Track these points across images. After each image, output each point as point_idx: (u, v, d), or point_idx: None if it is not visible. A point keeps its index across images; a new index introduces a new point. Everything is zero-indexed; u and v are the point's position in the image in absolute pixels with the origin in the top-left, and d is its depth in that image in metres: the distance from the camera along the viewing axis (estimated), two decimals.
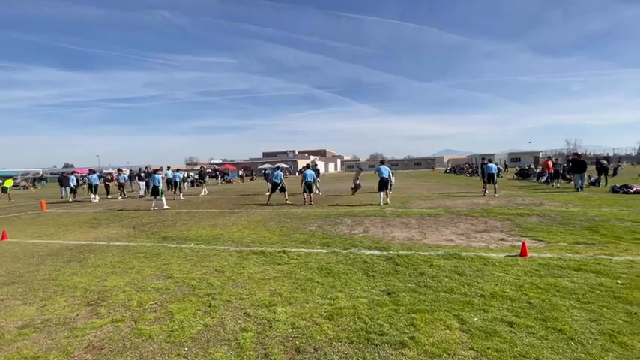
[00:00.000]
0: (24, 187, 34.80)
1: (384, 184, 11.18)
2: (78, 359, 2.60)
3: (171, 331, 2.96)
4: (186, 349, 2.68)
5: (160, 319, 3.23)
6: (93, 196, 16.60)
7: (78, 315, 3.40)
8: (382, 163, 11.75)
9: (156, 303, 3.61)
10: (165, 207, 12.36)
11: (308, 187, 12.03)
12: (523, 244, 4.92)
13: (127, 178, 19.62)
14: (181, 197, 16.25)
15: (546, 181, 18.27)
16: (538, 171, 22.15)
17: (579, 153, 16.61)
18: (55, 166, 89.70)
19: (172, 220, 9.46)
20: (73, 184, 17.94)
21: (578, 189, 13.45)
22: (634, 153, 61.91)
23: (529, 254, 4.77)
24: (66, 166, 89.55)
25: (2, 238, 7.48)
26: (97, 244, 6.75)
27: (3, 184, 21.26)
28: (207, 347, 2.68)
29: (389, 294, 3.59)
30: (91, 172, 18.07)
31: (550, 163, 17.80)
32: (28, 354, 2.69)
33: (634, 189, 11.76)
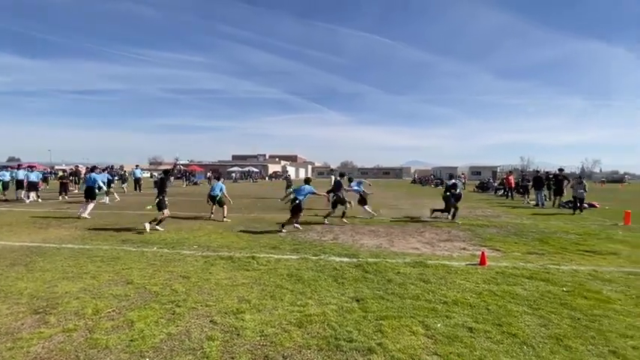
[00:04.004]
0: None
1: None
2: None
3: (131, 340, 2.80)
4: (147, 359, 2.54)
5: (118, 327, 3.03)
6: (25, 194, 14.27)
7: (23, 324, 3.10)
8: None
9: (114, 311, 3.39)
10: (86, 215, 9.79)
11: (212, 199, 9.89)
12: (482, 253, 5.23)
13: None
14: (107, 201, 13.87)
15: (504, 195, 19.56)
16: (496, 184, 23.70)
17: (539, 170, 17.52)
18: None
19: (133, 222, 8.94)
20: (5, 179, 15.73)
21: (539, 204, 14.08)
22: (577, 171, 68.13)
23: (488, 263, 5.07)
24: (11, 159, 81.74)
25: None
26: (46, 246, 6.21)
27: None
28: (171, 357, 2.57)
29: (358, 301, 3.65)
30: (20, 167, 15.82)
31: (512, 178, 18.96)
32: None
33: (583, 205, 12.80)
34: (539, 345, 2.76)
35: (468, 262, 5.21)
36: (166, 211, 7.97)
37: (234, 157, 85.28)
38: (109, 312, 3.36)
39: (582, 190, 11.75)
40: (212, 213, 10.07)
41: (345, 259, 5.34)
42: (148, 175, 49.09)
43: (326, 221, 9.05)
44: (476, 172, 63.44)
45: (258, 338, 2.85)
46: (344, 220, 9.24)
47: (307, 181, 8.94)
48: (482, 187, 25.08)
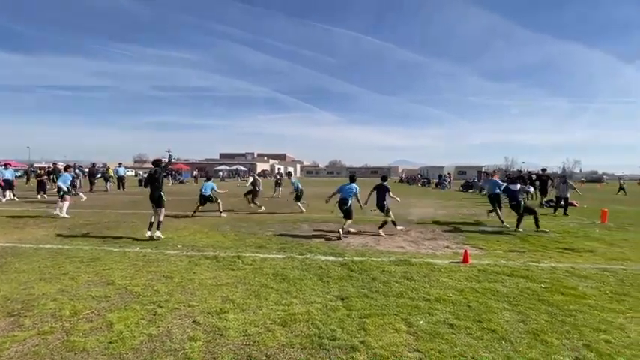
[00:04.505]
0: None
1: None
2: None
3: (110, 342, 2.73)
4: None
5: (96, 329, 2.96)
6: (1, 192, 13.69)
7: None
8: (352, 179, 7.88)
9: (93, 312, 3.30)
10: (57, 212, 9.42)
11: (203, 200, 9.96)
12: (465, 251, 5.33)
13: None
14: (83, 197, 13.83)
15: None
16: (481, 184, 24.20)
17: (521, 170, 17.84)
18: None
19: (116, 222, 8.74)
20: None
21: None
22: (559, 171, 70.25)
23: (470, 261, 5.18)
24: None
25: None
26: (22, 246, 6.00)
27: None
28: (151, 358, 2.52)
29: (342, 299, 3.67)
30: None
31: (497, 177, 19.31)
32: None
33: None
34: (517, 340, 2.83)
35: (451, 260, 5.31)
36: (163, 210, 6.92)
37: (222, 156, 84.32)
38: (88, 313, 3.27)
39: (566, 191, 11.61)
40: (195, 211, 9.98)
41: (331, 258, 5.36)
42: (133, 173, 48.00)
43: (381, 232, 7.52)
44: (462, 171, 64.65)
45: (242, 338, 2.83)
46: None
47: (353, 178, 7.75)
48: (468, 187, 25.59)
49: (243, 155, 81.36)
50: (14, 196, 14.17)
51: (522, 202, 8.33)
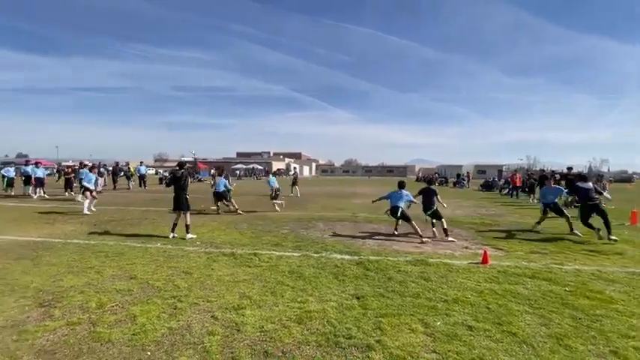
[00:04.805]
0: None
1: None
2: None
3: (133, 334, 2.84)
4: (148, 353, 2.58)
5: (120, 321, 3.08)
6: (32, 189, 14.38)
7: (29, 317, 3.16)
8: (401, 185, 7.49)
9: (117, 305, 3.44)
10: (85, 211, 9.66)
11: (217, 196, 10.23)
12: (484, 252, 5.20)
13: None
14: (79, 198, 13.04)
15: (509, 194, 19.42)
16: (501, 183, 23.53)
17: (544, 169, 17.19)
18: (6, 155, 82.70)
19: (138, 219, 9.05)
20: (10, 175, 15.63)
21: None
22: (585, 171, 67.31)
23: (490, 262, 5.05)
24: (19, 155, 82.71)
25: None
26: (52, 241, 6.30)
27: None
28: (172, 351, 2.60)
29: (358, 298, 3.66)
30: (27, 163, 15.35)
31: (518, 177, 18.74)
32: None
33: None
34: (538, 344, 2.75)
35: (470, 261, 5.20)
36: (189, 213, 6.92)
37: (239, 155, 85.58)
38: (113, 306, 3.41)
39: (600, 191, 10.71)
40: (218, 207, 10.21)
41: (347, 257, 5.35)
42: (153, 172, 49.49)
43: (450, 238, 6.95)
44: (481, 170, 63.00)
45: (258, 334, 2.88)
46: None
47: (403, 185, 7.42)
48: (487, 186, 24.91)
49: (259, 154, 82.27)
50: (44, 193, 14.88)
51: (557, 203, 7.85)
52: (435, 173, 51.14)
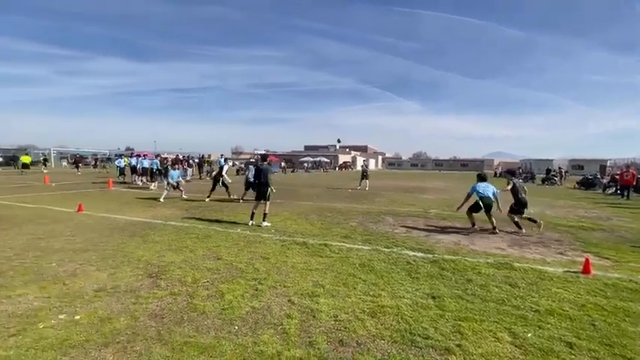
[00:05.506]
0: (94, 165, 38.75)
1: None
2: (143, 324, 2.90)
3: (223, 309, 3.18)
4: (236, 327, 2.86)
5: (211, 297, 3.47)
6: (139, 178, 16.74)
7: (142, 285, 3.77)
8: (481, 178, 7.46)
9: (208, 282, 3.88)
10: (161, 199, 10.66)
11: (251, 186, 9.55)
12: (586, 260, 4.50)
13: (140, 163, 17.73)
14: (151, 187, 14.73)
15: (616, 193, 16.40)
16: (605, 181, 19.92)
17: None
18: (118, 149, 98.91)
19: (220, 206, 10.02)
20: (121, 165, 18.93)
21: None
22: None
23: (593, 272, 4.35)
24: (127, 149, 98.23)
25: (79, 210, 8.47)
26: (155, 222, 7.38)
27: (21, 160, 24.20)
28: (255, 329, 2.84)
29: (433, 298, 3.51)
30: (132, 155, 18.46)
31: (632, 173, 15.46)
32: (103, 314, 3.06)
33: None
34: None
35: (566, 269, 4.55)
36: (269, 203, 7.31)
37: (307, 148, 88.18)
38: (205, 282, 3.86)
39: None
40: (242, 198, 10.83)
41: (420, 254, 5.15)
42: (231, 164, 54.09)
43: (539, 230, 6.94)
44: (578, 165, 54.30)
45: (333, 322, 2.97)
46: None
47: (483, 177, 7.34)
48: (587, 184, 21.32)
49: (326, 147, 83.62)
50: (148, 181, 17.43)
51: None
52: (519, 168, 45.68)
